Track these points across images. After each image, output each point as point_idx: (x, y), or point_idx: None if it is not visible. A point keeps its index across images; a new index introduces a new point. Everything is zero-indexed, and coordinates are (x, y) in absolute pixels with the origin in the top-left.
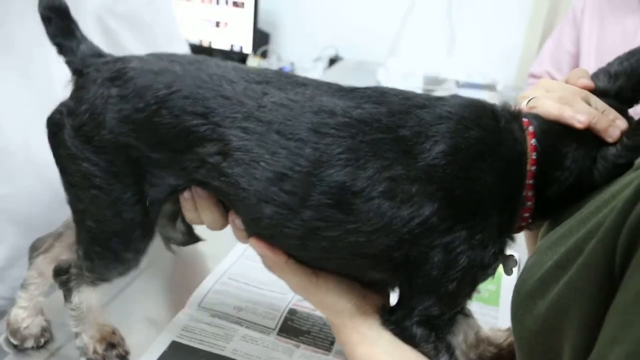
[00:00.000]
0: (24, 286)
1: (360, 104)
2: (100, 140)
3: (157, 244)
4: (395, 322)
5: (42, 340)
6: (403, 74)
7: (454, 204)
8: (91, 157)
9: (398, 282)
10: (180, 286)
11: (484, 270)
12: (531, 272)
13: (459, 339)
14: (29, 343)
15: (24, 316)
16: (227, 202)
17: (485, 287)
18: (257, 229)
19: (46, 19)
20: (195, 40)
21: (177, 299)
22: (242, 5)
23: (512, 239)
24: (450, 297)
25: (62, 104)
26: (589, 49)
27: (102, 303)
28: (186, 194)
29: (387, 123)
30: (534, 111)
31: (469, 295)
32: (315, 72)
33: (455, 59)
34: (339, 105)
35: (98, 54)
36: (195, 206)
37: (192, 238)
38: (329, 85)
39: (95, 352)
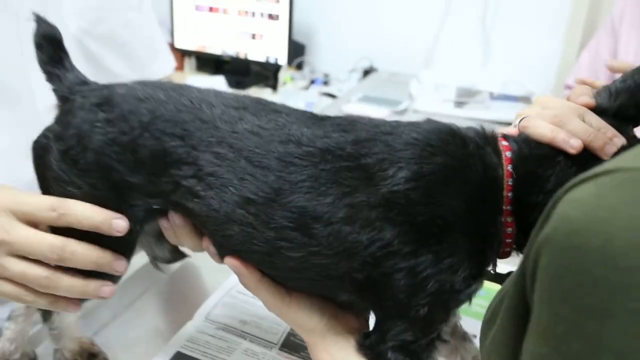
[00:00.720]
0: (12, 318)
1: (328, 133)
2: (85, 164)
3: None
4: (370, 346)
5: None
6: (435, 86)
7: (417, 229)
8: (76, 180)
9: (369, 305)
10: (189, 299)
11: (456, 295)
12: (493, 299)
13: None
14: None
15: (12, 348)
16: (199, 223)
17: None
18: (229, 246)
19: (39, 47)
20: (232, 52)
21: (186, 311)
22: (277, 17)
23: (491, 264)
24: (423, 322)
25: (48, 129)
26: (626, 60)
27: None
28: (165, 223)
29: (350, 151)
30: (526, 131)
31: (444, 321)
32: (350, 83)
33: (490, 70)
34: (305, 135)
35: (84, 82)
36: (175, 233)
37: (178, 255)
38: (302, 113)
39: None
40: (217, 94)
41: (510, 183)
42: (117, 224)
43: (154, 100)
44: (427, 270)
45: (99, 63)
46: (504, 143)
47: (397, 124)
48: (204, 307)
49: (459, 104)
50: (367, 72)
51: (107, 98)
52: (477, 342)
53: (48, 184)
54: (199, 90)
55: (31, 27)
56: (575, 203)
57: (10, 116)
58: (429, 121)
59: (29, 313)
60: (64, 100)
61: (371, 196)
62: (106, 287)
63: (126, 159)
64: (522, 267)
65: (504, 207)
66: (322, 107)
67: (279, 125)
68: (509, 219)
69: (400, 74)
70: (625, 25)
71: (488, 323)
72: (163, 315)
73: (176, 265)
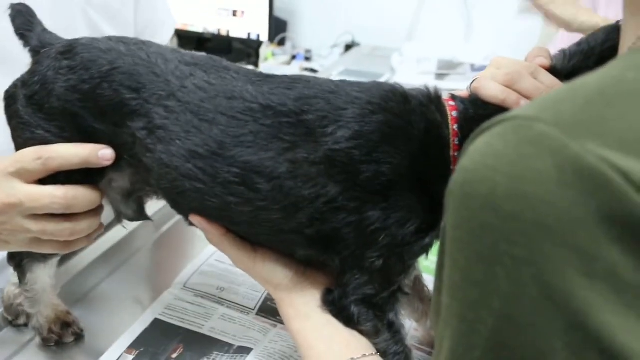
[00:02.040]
0: None
1: (272, 90)
2: (50, 108)
3: (148, 227)
4: (333, 302)
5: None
6: (417, 59)
7: (361, 186)
8: (43, 124)
9: (326, 259)
10: (168, 268)
11: (408, 248)
12: None
13: (427, 324)
14: (22, 320)
15: (16, 292)
16: (156, 183)
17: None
18: (185, 204)
19: (13, 19)
20: (213, 30)
21: (164, 279)
22: None
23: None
24: (381, 274)
25: (18, 78)
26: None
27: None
28: None
29: (291, 108)
30: (478, 92)
31: (402, 272)
32: (332, 58)
33: (472, 43)
34: (249, 91)
35: (56, 37)
36: None
37: (142, 216)
38: (249, 72)
39: (50, 331)
40: (174, 50)
41: (456, 142)
42: (103, 154)
43: (114, 52)
44: (376, 224)
45: (101, 33)
46: (451, 103)
47: (341, 83)
48: (182, 275)
49: (440, 76)
50: (349, 47)
51: (70, 46)
52: None
53: (18, 132)
54: (158, 46)
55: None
56: (470, 154)
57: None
58: (372, 82)
59: None
60: (36, 54)
61: (312, 153)
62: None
63: (89, 106)
64: (443, 223)
65: (452, 167)
66: None
67: (225, 82)
68: None
69: (383, 48)
70: None
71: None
72: (142, 284)
73: (152, 237)
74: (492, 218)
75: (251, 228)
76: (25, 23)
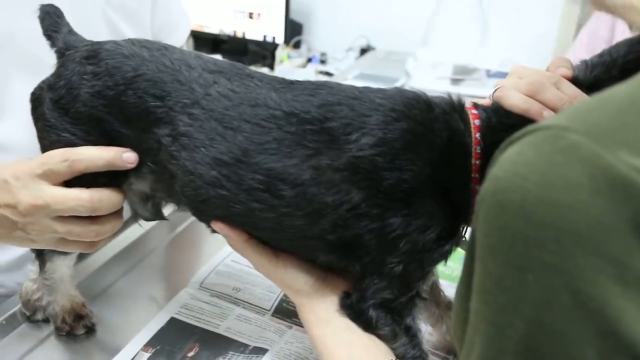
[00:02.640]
0: (33, 261)
1: (295, 97)
2: (76, 112)
3: (165, 226)
4: (351, 305)
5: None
6: (432, 63)
7: (384, 193)
8: (69, 127)
9: (346, 265)
10: (185, 267)
11: (429, 254)
12: None
13: (442, 329)
14: (39, 315)
15: (34, 288)
16: (180, 191)
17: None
18: (209, 211)
19: (42, 20)
20: (229, 31)
21: (181, 279)
22: None
23: (465, 228)
24: (400, 279)
25: (44, 80)
26: (623, 35)
27: (108, 282)
28: None
29: (315, 115)
30: (500, 101)
31: (421, 279)
32: (347, 61)
33: (487, 48)
34: (272, 99)
35: (82, 39)
36: None
37: (158, 216)
38: (272, 78)
39: (63, 321)
40: (197, 56)
41: (478, 151)
42: (127, 157)
43: (138, 58)
44: (397, 230)
45: (120, 33)
46: (474, 112)
47: (365, 89)
48: (199, 275)
49: (456, 81)
50: (364, 51)
51: (95, 52)
52: None
53: (44, 134)
54: (181, 51)
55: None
56: (501, 163)
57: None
58: (394, 88)
59: None
60: (61, 55)
61: (335, 159)
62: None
63: (114, 112)
64: (472, 231)
65: (473, 175)
66: None
67: (249, 89)
68: (477, 187)
69: (397, 53)
70: None
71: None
72: (158, 283)
73: (170, 236)
74: (524, 225)
75: (275, 234)
76: (52, 24)
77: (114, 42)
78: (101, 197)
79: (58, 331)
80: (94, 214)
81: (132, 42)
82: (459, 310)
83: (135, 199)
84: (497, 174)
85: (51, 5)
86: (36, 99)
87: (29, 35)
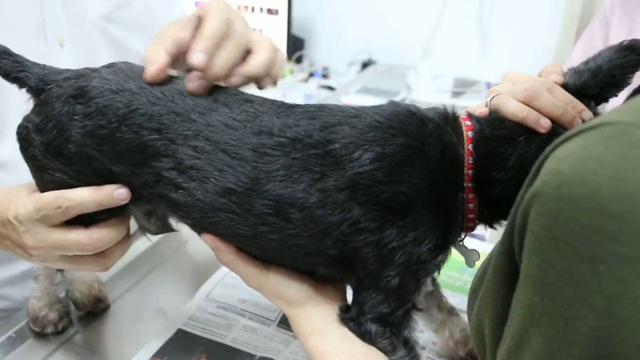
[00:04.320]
0: (34, 278)
1: (298, 121)
2: (68, 154)
3: (172, 239)
4: (351, 319)
5: (61, 326)
6: (433, 77)
7: (382, 206)
8: (62, 167)
9: (345, 277)
10: (191, 279)
11: (424, 265)
12: (480, 268)
13: (445, 335)
14: (49, 329)
15: (40, 305)
16: (184, 213)
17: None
18: (216, 231)
19: None
20: None
21: (187, 291)
22: (277, 12)
23: (458, 237)
24: (396, 292)
25: (27, 119)
26: None
27: (116, 294)
28: None
29: (318, 138)
30: (498, 109)
31: (416, 290)
32: (349, 76)
33: (487, 61)
34: (276, 125)
35: (55, 72)
36: None
37: (165, 229)
38: (272, 102)
39: (84, 305)
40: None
41: (470, 161)
42: (118, 194)
43: (127, 93)
44: (393, 242)
45: (122, 46)
46: (467, 123)
47: (362, 108)
48: (205, 287)
49: (456, 94)
50: (365, 65)
51: (82, 89)
52: (464, 317)
53: (38, 173)
54: (169, 77)
55: (55, 12)
56: (563, 157)
57: None
58: (391, 103)
59: (48, 272)
60: (39, 92)
61: (339, 179)
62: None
63: (106, 149)
64: (509, 226)
65: (466, 184)
66: (320, 99)
67: (250, 117)
68: (471, 195)
69: (399, 66)
70: (617, 12)
71: (474, 291)
72: (165, 295)
73: (177, 248)
74: (596, 218)
75: (277, 252)
76: (13, 64)
77: (99, 76)
78: (101, 237)
79: (78, 309)
80: (97, 252)
81: (115, 72)
82: (487, 305)
83: (140, 215)
84: (559, 168)
85: (1, 45)
86: (23, 139)
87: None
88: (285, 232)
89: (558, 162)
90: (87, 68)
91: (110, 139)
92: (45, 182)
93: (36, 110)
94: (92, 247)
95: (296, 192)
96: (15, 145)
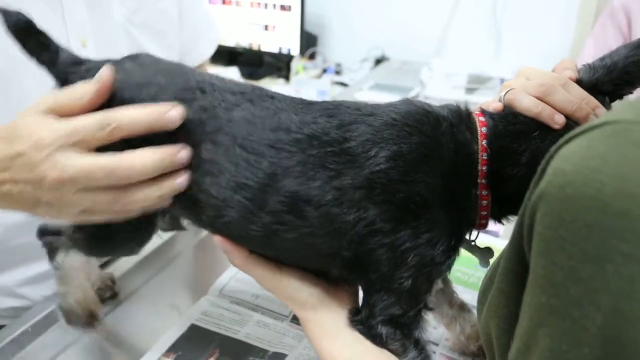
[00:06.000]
0: (64, 275)
1: (315, 119)
2: None
3: (185, 235)
4: (361, 321)
5: (93, 321)
6: (447, 73)
7: (397, 206)
8: None
9: (357, 279)
10: (205, 275)
11: (437, 267)
12: (490, 268)
13: (456, 330)
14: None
15: (71, 301)
16: (199, 212)
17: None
18: (228, 232)
19: (20, 39)
20: (245, 44)
21: (201, 286)
22: (290, 8)
23: (469, 236)
24: (409, 294)
25: None
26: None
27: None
28: None
29: (334, 136)
30: (512, 104)
31: (428, 292)
32: (362, 72)
33: (501, 57)
34: (294, 122)
35: (78, 61)
36: None
37: (176, 227)
38: (292, 100)
39: (76, 316)
40: (217, 77)
41: (485, 157)
42: (171, 115)
43: (154, 86)
44: (406, 244)
45: (142, 48)
46: (481, 119)
47: (378, 106)
48: (218, 282)
49: (470, 90)
50: (378, 61)
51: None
52: (476, 312)
53: None
54: (199, 73)
55: (78, 14)
56: (567, 157)
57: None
58: (405, 101)
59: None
60: (63, 81)
61: (356, 178)
62: (180, 179)
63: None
64: (518, 227)
65: (479, 181)
66: (333, 95)
67: (270, 113)
68: (484, 192)
69: (412, 63)
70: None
71: (485, 291)
72: (179, 291)
73: (191, 244)
74: (601, 217)
75: (291, 253)
76: (39, 45)
77: (124, 70)
78: (133, 163)
79: (67, 322)
80: (122, 183)
81: (141, 66)
82: (497, 307)
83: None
84: (563, 168)
85: (18, 15)
86: None
87: None
88: (300, 230)
89: (562, 161)
90: (110, 59)
91: None
92: None
93: None
94: (122, 173)
95: (312, 189)
96: None
